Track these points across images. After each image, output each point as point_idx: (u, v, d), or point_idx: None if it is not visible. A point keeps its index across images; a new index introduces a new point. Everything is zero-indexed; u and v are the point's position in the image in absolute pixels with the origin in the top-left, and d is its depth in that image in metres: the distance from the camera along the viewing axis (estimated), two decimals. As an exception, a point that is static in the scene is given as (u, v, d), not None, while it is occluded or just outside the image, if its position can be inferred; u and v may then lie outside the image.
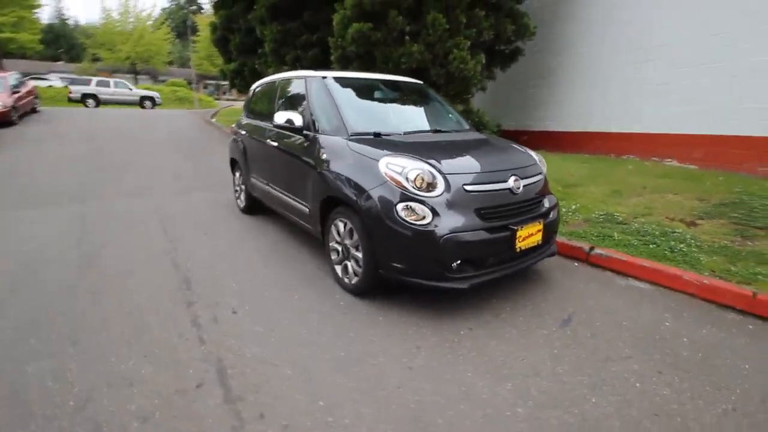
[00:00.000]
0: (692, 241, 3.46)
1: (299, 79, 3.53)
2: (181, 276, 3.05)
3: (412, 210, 2.31)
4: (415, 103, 3.63)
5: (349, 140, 2.76)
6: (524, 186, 2.59)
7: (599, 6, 7.41)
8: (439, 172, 2.38)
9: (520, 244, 2.48)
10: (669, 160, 6.28)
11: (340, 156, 2.75)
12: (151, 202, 5.27)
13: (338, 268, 2.88)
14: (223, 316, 2.49)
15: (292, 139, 3.29)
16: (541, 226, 2.59)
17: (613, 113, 7.25)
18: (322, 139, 2.95)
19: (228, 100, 32.12)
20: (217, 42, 13.11)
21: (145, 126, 13.28)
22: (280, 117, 3.17)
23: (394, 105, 3.45)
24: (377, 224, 2.39)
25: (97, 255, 3.39)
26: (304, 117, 3.12)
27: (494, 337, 2.29)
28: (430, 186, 2.34)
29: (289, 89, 3.72)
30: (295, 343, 2.21)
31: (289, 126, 3.15)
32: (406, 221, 2.30)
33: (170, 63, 40.09)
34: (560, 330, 2.35)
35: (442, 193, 2.32)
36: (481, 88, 7.85)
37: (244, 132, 4.45)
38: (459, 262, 2.31)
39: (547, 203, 2.79)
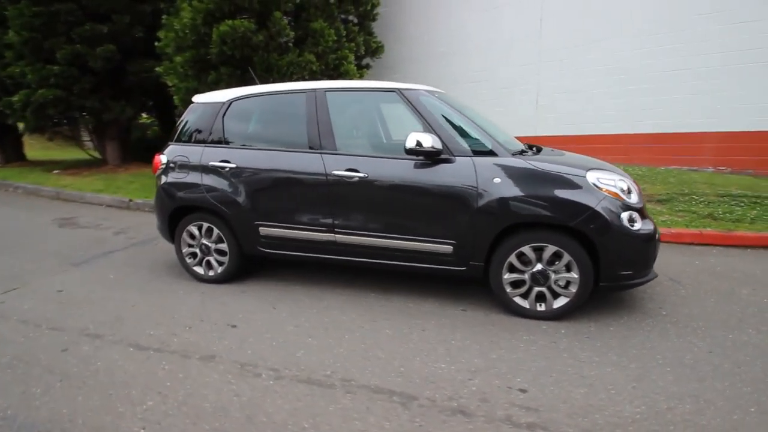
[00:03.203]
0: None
1: (382, 92, 2.78)
2: (363, 392, 1.98)
3: (632, 218, 2.47)
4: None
5: (527, 160, 2.55)
6: None
7: (425, 35, 8.83)
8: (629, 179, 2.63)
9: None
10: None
11: (523, 178, 2.48)
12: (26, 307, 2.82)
13: (521, 300, 2.62)
14: (517, 405, 1.89)
15: (411, 167, 2.62)
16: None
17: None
18: (484, 161, 2.54)
19: None
20: None
21: None
22: (412, 140, 2.48)
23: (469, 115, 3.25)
24: (608, 238, 2.40)
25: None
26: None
27: (681, 306, 2.76)
28: (630, 193, 2.56)
29: (350, 105, 2.85)
30: (655, 386, 2.00)
31: (420, 150, 2.51)
32: (632, 229, 2.43)
33: None
34: (691, 289, 3.06)
35: (639, 199, 2.59)
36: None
37: (230, 167, 2.99)
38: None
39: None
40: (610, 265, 2.46)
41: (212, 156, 3.10)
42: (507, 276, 2.61)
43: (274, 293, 3.11)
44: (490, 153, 2.60)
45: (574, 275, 2.50)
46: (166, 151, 3.33)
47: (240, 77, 6.09)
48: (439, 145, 2.54)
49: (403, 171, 2.67)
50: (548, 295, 2.58)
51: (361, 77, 6.89)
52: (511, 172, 2.52)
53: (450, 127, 2.66)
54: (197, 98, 3.32)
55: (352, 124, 2.88)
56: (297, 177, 2.87)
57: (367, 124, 2.89)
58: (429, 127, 2.64)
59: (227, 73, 6.02)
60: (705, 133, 6.28)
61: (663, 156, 6.59)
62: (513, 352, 2.28)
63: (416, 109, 2.69)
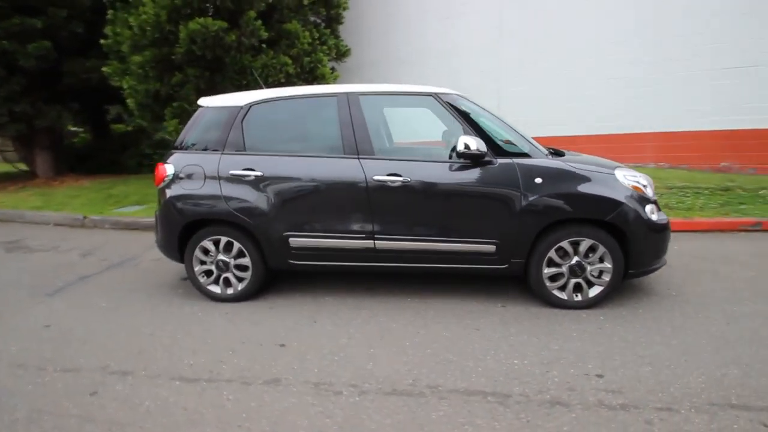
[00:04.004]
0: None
1: (417, 97, 2.78)
2: (456, 397, 1.97)
3: (652, 210, 2.74)
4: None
5: (563, 160, 2.71)
6: None
7: (383, 39, 8.94)
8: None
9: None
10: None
11: (562, 178, 2.64)
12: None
13: (558, 292, 2.78)
14: (603, 390, 2.01)
15: (453, 170, 2.66)
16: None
17: (418, 130, 9.08)
18: (525, 163, 2.65)
19: None
20: None
21: None
22: (461, 143, 2.52)
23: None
24: (637, 229, 2.63)
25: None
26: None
27: (684, 286, 3.11)
28: (647, 187, 2.84)
29: (383, 109, 2.82)
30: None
31: (467, 153, 2.56)
32: (654, 220, 2.71)
33: None
34: (684, 271, 3.45)
35: (653, 192, 2.88)
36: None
37: (255, 175, 2.79)
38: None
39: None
40: (638, 254, 2.71)
41: (232, 164, 2.87)
42: (546, 270, 2.76)
43: (307, 307, 2.96)
44: (526, 155, 2.73)
45: (608, 265, 2.71)
46: (170, 160, 3.02)
47: (209, 79, 5.70)
48: (484, 148, 2.61)
49: (446, 174, 2.71)
50: (584, 285, 2.77)
51: (335, 80, 6.79)
52: (551, 173, 2.67)
53: (489, 129, 2.76)
54: (206, 102, 3.06)
55: (389, 129, 2.85)
56: (334, 183, 2.77)
57: (402, 128, 2.88)
58: (470, 131, 2.70)
59: (195, 75, 5.60)
60: (646, 133, 7.12)
61: (611, 154, 7.21)
62: (571, 341, 2.42)
63: (456, 113, 2.75)
